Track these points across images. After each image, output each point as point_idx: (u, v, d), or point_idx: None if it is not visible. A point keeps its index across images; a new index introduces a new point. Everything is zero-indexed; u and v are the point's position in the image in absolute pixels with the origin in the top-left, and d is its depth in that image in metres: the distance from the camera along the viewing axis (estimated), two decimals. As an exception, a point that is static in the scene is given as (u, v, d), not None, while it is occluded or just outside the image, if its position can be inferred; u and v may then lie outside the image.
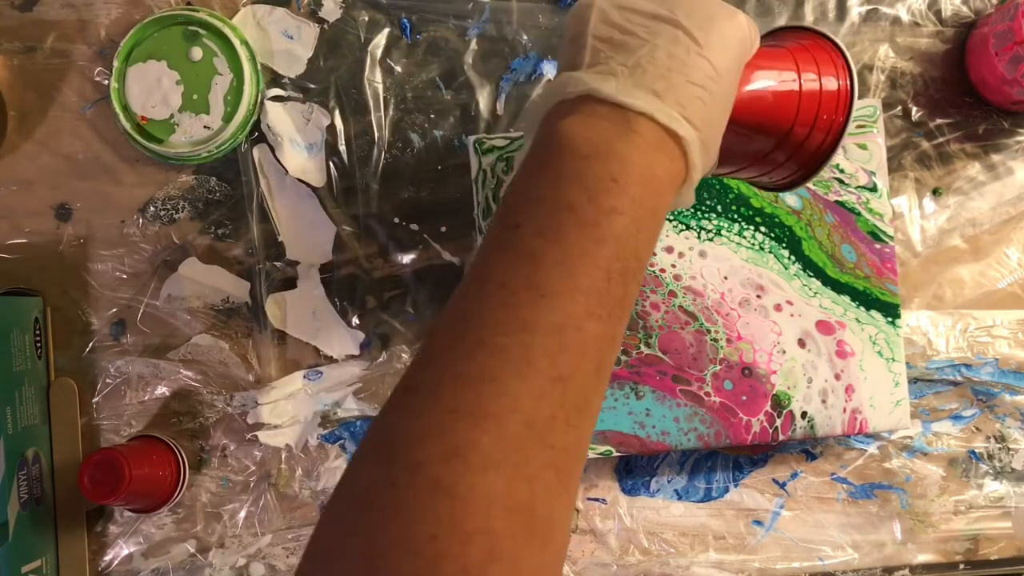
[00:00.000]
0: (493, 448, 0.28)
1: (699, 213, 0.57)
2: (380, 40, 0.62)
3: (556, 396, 0.30)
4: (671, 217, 0.57)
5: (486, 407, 0.29)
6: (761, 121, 0.41)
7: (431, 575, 0.26)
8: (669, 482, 0.61)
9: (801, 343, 0.57)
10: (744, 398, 0.56)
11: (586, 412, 0.32)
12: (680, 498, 0.61)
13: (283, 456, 0.61)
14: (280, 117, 0.61)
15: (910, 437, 0.62)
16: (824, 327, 0.57)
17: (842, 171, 0.57)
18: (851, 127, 0.41)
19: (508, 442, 0.29)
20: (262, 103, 0.61)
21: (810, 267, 0.57)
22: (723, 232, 0.57)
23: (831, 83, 0.42)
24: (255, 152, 0.61)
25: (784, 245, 0.57)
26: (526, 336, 0.30)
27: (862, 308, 0.57)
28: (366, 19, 0.62)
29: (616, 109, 0.34)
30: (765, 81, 0.41)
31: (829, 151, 0.42)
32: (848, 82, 0.42)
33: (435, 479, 0.28)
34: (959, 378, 0.62)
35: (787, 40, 0.44)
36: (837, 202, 0.57)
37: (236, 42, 0.59)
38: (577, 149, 0.34)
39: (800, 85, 0.41)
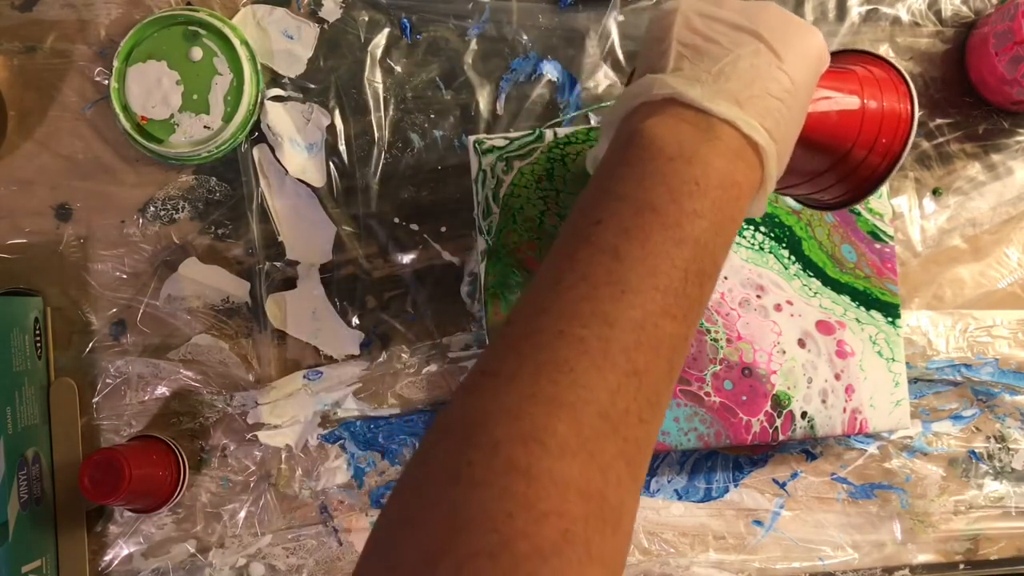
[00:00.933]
0: (569, 435, 0.29)
1: (699, 213, 0.57)
2: (380, 40, 0.62)
3: (631, 390, 0.31)
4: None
5: (563, 396, 0.30)
6: (823, 139, 0.41)
7: (506, 551, 0.27)
8: (669, 482, 0.61)
9: (801, 343, 0.57)
10: (744, 398, 0.56)
11: (657, 409, 0.32)
12: (680, 498, 0.61)
13: (283, 456, 0.61)
14: (280, 117, 0.61)
15: (910, 437, 0.62)
16: (824, 327, 0.57)
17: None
18: (907, 153, 0.42)
19: (584, 431, 0.29)
20: (262, 103, 0.61)
21: (810, 267, 0.57)
22: (723, 232, 0.57)
23: (893, 108, 0.42)
24: (255, 152, 0.61)
25: (784, 245, 0.57)
26: (605, 330, 0.31)
27: (862, 308, 0.57)
28: (366, 19, 0.62)
29: (699, 114, 0.35)
30: (831, 100, 0.41)
31: (883, 175, 0.42)
32: (909, 109, 0.42)
33: (512, 460, 0.28)
34: (959, 378, 0.62)
35: (852, 63, 0.45)
36: (837, 202, 0.57)
37: (236, 42, 0.59)
38: (662, 150, 0.34)
39: (863, 107, 0.42)
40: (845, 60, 0.46)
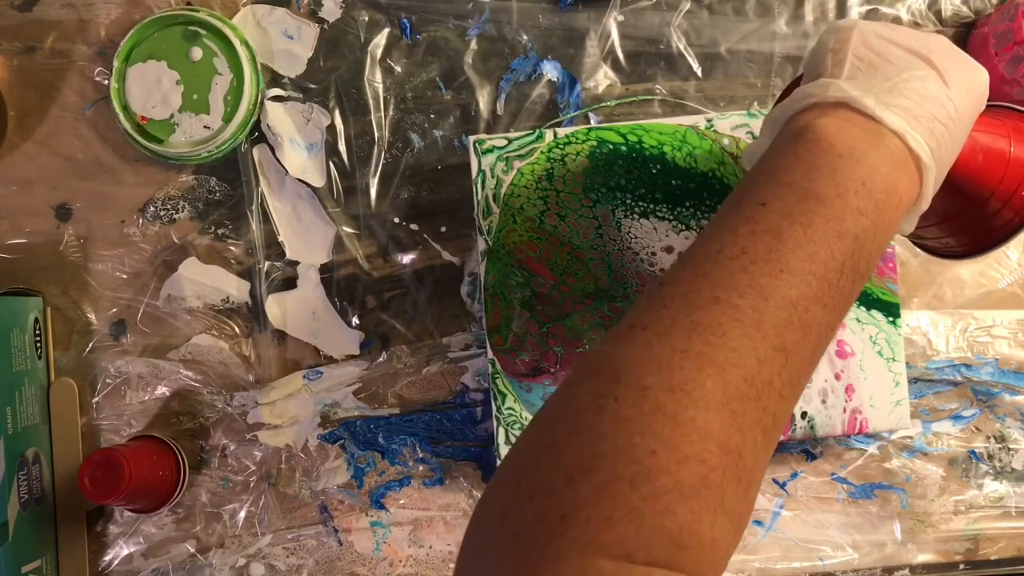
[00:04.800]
0: (715, 391, 0.30)
1: (699, 213, 0.57)
2: (380, 40, 0.62)
3: (776, 364, 0.32)
4: (670, 217, 0.57)
5: (713, 355, 0.31)
6: (965, 180, 0.42)
7: (646, 482, 0.28)
8: (669, 482, 0.61)
9: (801, 343, 0.56)
10: (744, 398, 0.56)
11: (797, 389, 0.34)
12: (680, 498, 0.61)
13: (283, 456, 0.61)
14: (280, 117, 0.61)
15: (910, 437, 0.62)
16: (824, 327, 0.57)
17: None
18: None
19: (729, 390, 0.31)
20: (262, 103, 0.61)
21: (810, 267, 0.57)
22: (723, 232, 0.57)
23: None
24: (255, 152, 0.61)
25: (784, 245, 0.57)
26: (760, 302, 0.32)
27: (862, 308, 0.57)
28: (366, 19, 0.62)
29: (870, 122, 0.37)
30: (979, 143, 0.42)
31: (1014, 231, 0.42)
32: None
33: (660, 403, 0.30)
34: (959, 378, 0.62)
35: (1004, 115, 0.45)
36: (837, 202, 0.57)
37: (236, 42, 0.59)
38: (833, 147, 0.36)
39: (1009, 156, 0.42)
40: (1000, 111, 0.46)
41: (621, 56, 0.62)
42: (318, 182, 0.61)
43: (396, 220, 0.62)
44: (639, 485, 0.28)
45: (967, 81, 0.39)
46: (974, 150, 0.42)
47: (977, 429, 0.62)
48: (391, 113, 0.62)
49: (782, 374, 0.32)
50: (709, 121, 0.56)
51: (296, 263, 0.61)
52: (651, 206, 0.56)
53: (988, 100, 0.42)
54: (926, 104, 0.37)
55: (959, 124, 0.38)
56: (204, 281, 0.61)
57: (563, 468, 0.29)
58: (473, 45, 0.62)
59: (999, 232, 0.43)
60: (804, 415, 0.56)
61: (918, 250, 0.61)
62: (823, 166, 0.35)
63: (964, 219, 0.43)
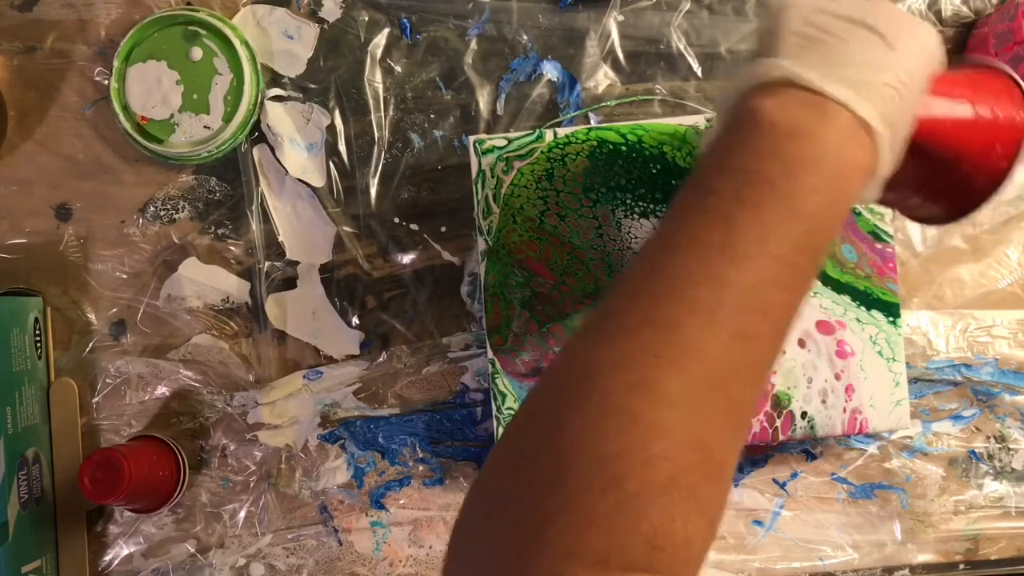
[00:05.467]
0: (678, 388, 0.30)
1: (699, 213, 0.57)
2: (380, 40, 0.62)
3: (738, 352, 0.32)
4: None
5: (673, 350, 0.31)
6: (932, 145, 0.41)
7: (616, 488, 0.28)
8: (669, 482, 0.61)
9: (801, 343, 0.57)
10: (744, 398, 0.56)
11: (762, 374, 0.33)
12: (680, 498, 0.61)
13: (283, 456, 0.61)
14: (280, 117, 0.61)
15: (910, 437, 0.62)
16: (824, 327, 0.57)
17: None
18: (1016, 169, 0.41)
19: (691, 385, 0.30)
20: (262, 103, 0.61)
21: (810, 267, 0.57)
22: (723, 232, 0.57)
23: (1007, 119, 0.41)
24: (255, 152, 0.61)
25: (784, 245, 0.57)
26: (717, 292, 0.32)
27: (862, 308, 0.57)
28: (366, 19, 0.62)
29: (815, 97, 0.36)
30: (943, 105, 0.41)
31: (989, 192, 0.42)
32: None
33: (623, 405, 0.30)
34: (959, 378, 0.62)
35: (969, 72, 0.44)
36: (837, 202, 0.57)
37: (236, 42, 0.59)
38: (778, 127, 0.35)
39: (976, 116, 0.41)
40: (963, 68, 0.45)
41: (621, 56, 0.62)
42: (318, 182, 0.61)
43: (396, 220, 0.62)
44: (609, 491, 0.28)
45: (914, 41, 0.38)
46: (939, 115, 0.41)
47: (977, 429, 0.62)
48: (391, 113, 0.62)
49: (745, 360, 0.32)
50: (709, 121, 0.56)
51: (296, 263, 0.61)
52: (651, 206, 0.56)
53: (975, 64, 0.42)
54: (872, 71, 0.37)
55: (910, 87, 0.37)
56: (204, 281, 0.61)
57: (533, 480, 0.29)
58: (473, 45, 0.62)
59: (976, 194, 0.42)
60: (804, 415, 0.56)
61: (918, 250, 0.62)
62: (770, 148, 0.35)
63: (939, 185, 0.43)
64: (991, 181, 0.42)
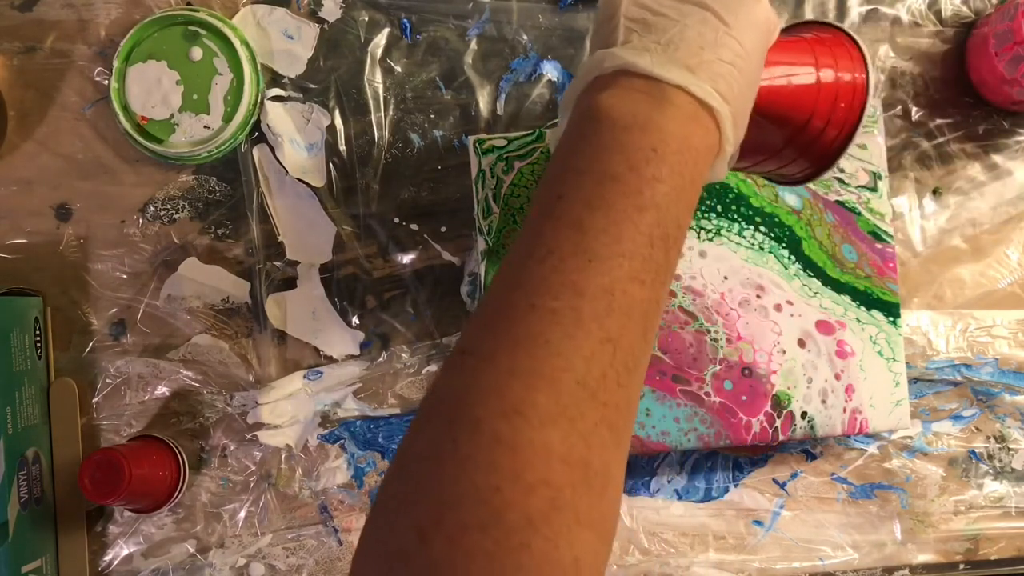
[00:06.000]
0: (549, 405, 0.30)
1: (699, 213, 0.57)
2: (380, 40, 0.62)
3: (606, 356, 0.31)
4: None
5: (540, 367, 0.30)
6: (780, 111, 0.42)
7: (496, 523, 0.28)
8: (669, 482, 0.61)
9: (801, 343, 0.57)
10: (744, 398, 0.56)
11: (635, 372, 0.33)
12: (680, 498, 0.61)
13: (283, 456, 0.61)
14: (280, 117, 0.61)
15: (910, 437, 0.62)
16: (824, 327, 0.57)
17: (842, 170, 0.57)
18: (864, 123, 0.42)
19: (563, 399, 0.30)
20: (262, 103, 0.61)
21: (810, 267, 0.57)
22: (723, 232, 0.57)
23: (848, 77, 0.42)
24: (255, 152, 0.61)
25: (784, 245, 0.57)
26: (576, 299, 0.32)
27: (863, 308, 0.57)
28: (366, 19, 0.62)
29: (651, 83, 0.36)
30: (785, 72, 0.42)
31: (842, 146, 0.43)
32: (864, 78, 0.42)
33: (496, 434, 0.29)
34: (959, 378, 0.62)
35: (806, 34, 0.45)
36: (837, 202, 0.57)
37: (236, 42, 0.59)
38: (617, 121, 0.35)
39: (818, 78, 0.42)
40: (800, 31, 0.46)
41: (621, 56, 0.62)
42: (318, 182, 0.61)
43: (396, 220, 0.62)
44: (490, 528, 0.27)
45: (746, 14, 0.37)
46: (781, 82, 0.41)
47: (977, 429, 0.62)
48: (391, 113, 0.62)
49: (614, 363, 0.32)
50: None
51: (296, 263, 0.61)
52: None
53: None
54: (706, 49, 0.36)
55: (748, 59, 0.37)
56: (204, 281, 0.61)
57: (415, 525, 0.28)
58: (473, 45, 0.62)
59: (831, 148, 0.43)
60: (804, 415, 0.56)
61: (918, 250, 0.62)
62: (610, 143, 0.35)
63: (795, 146, 0.43)
64: (843, 134, 0.42)
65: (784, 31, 0.45)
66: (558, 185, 0.35)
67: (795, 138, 0.43)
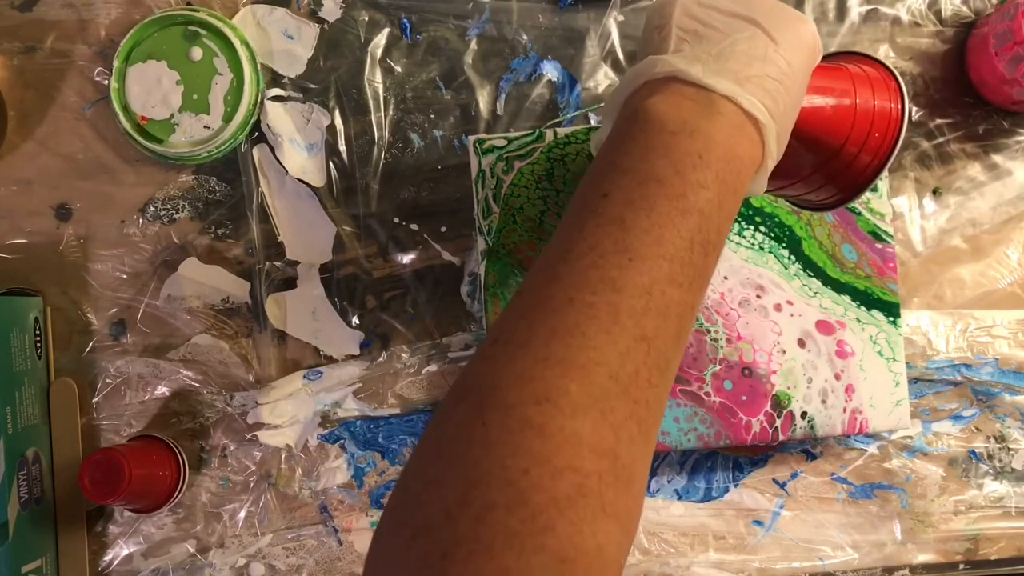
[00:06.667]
0: (581, 395, 0.30)
1: (699, 213, 0.57)
2: (380, 40, 0.62)
3: (640, 354, 0.32)
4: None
5: (574, 358, 0.31)
6: (816, 135, 0.42)
7: (523, 503, 0.28)
8: (669, 482, 0.61)
9: (801, 343, 0.57)
10: (744, 398, 0.56)
11: (666, 373, 0.34)
12: (680, 498, 0.61)
13: (283, 456, 0.61)
14: (280, 117, 0.61)
15: (910, 437, 0.62)
16: (824, 327, 0.57)
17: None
18: (896, 152, 0.43)
19: (595, 391, 0.30)
20: (262, 103, 0.61)
21: (810, 267, 0.57)
22: (723, 232, 0.57)
23: (884, 107, 0.43)
24: (255, 152, 0.61)
25: (784, 245, 0.57)
26: (614, 296, 0.32)
27: (863, 308, 0.57)
28: (366, 19, 0.62)
29: (701, 91, 0.36)
30: (824, 96, 0.42)
31: (874, 174, 0.43)
32: (900, 108, 0.43)
33: (527, 419, 0.29)
34: (959, 378, 0.62)
35: (846, 62, 0.45)
36: (837, 202, 0.57)
37: (236, 42, 0.59)
38: (665, 125, 0.36)
39: (855, 105, 0.43)
40: (839, 59, 0.47)
41: (621, 56, 0.62)
42: (318, 182, 0.61)
43: (396, 220, 0.62)
44: (515, 509, 0.28)
45: (794, 34, 0.38)
46: (820, 105, 0.42)
47: (977, 429, 0.62)
48: (391, 113, 0.62)
49: (647, 362, 0.32)
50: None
51: (296, 263, 0.61)
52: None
53: (898, 77, 0.44)
54: (755, 64, 0.37)
55: (793, 78, 0.38)
56: (204, 281, 0.61)
57: (441, 503, 0.29)
58: (473, 45, 0.62)
59: (863, 175, 0.44)
60: (804, 415, 0.56)
61: (918, 250, 0.62)
62: (658, 146, 0.35)
63: (828, 170, 0.44)
64: (876, 162, 0.43)
65: (825, 58, 0.46)
66: (603, 183, 0.35)
67: (828, 163, 0.43)
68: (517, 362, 0.31)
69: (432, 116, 0.62)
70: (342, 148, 0.62)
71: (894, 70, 0.44)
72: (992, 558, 0.62)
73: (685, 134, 0.35)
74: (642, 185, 0.34)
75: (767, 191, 0.47)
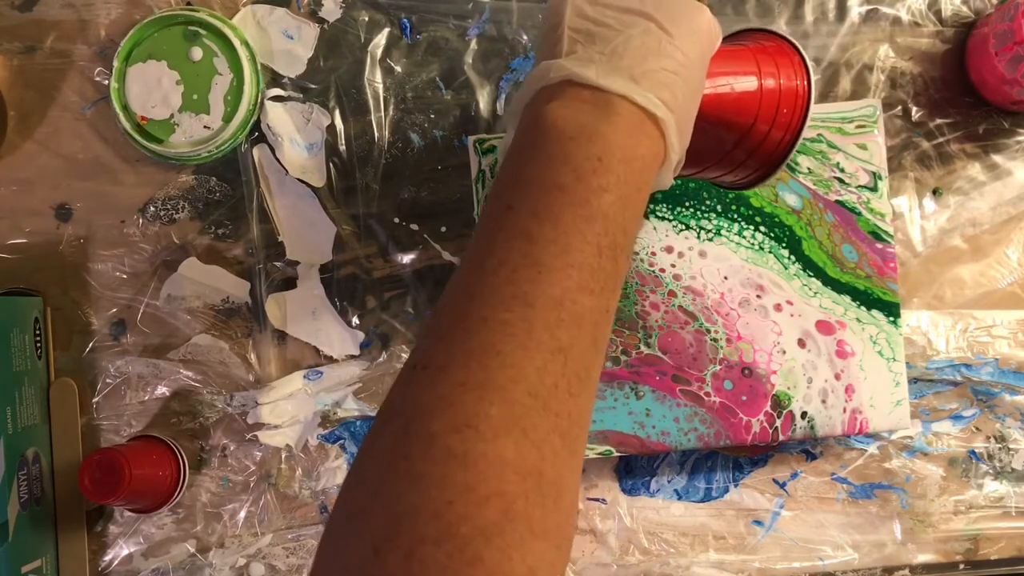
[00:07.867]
0: (501, 417, 0.30)
1: (699, 213, 0.57)
2: (380, 40, 0.62)
3: (557, 366, 0.32)
4: (670, 217, 0.57)
5: (493, 379, 0.31)
6: (724, 117, 0.42)
7: (450, 536, 0.28)
8: (669, 482, 0.61)
9: (801, 343, 0.57)
10: (744, 398, 0.56)
11: (586, 381, 0.33)
12: (680, 498, 0.61)
13: (283, 456, 0.61)
14: (280, 117, 0.61)
15: (910, 437, 0.62)
16: (824, 327, 0.57)
17: (843, 171, 0.57)
18: (807, 126, 0.43)
19: (515, 410, 0.30)
20: (262, 103, 0.61)
21: (810, 267, 0.57)
22: (723, 232, 0.57)
23: (790, 83, 0.43)
24: (255, 152, 0.61)
25: (784, 245, 0.57)
26: (527, 310, 0.32)
27: (863, 308, 0.57)
28: (366, 19, 0.62)
29: (596, 93, 0.36)
30: (728, 79, 0.42)
31: (787, 149, 0.44)
32: (806, 82, 0.44)
33: (449, 448, 0.29)
34: (959, 378, 0.62)
35: (748, 41, 0.46)
36: (837, 202, 0.57)
37: (236, 42, 0.59)
38: (563, 131, 0.35)
39: (761, 84, 0.43)
40: (741, 39, 0.46)
41: (621, 56, 0.62)
42: (318, 182, 0.61)
43: (396, 220, 0.62)
44: (443, 542, 0.28)
45: (688, 23, 0.38)
46: (724, 88, 0.42)
47: (977, 429, 0.62)
48: (391, 113, 0.62)
49: (566, 372, 0.32)
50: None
51: (296, 263, 0.61)
52: (651, 206, 0.56)
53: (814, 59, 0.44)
54: (650, 58, 0.37)
55: (691, 67, 0.38)
56: (204, 281, 0.61)
57: (370, 538, 0.28)
58: (473, 45, 0.62)
59: (778, 151, 0.44)
60: (804, 415, 0.56)
61: (918, 250, 0.62)
62: (557, 153, 0.35)
63: (742, 150, 0.44)
64: (788, 137, 0.43)
65: (727, 39, 0.45)
66: (507, 195, 0.35)
67: (741, 143, 0.43)
68: (437, 388, 0.31)
69: (432, 116, 0.62)
70: (342, 148, 0.62)
71: (796, 43, 0.44)
72: (992, 558, 0.62)
73: (583, 139, 0.35)
74: (545, 195, 0.34)
75: (687, 175, 0.47)
